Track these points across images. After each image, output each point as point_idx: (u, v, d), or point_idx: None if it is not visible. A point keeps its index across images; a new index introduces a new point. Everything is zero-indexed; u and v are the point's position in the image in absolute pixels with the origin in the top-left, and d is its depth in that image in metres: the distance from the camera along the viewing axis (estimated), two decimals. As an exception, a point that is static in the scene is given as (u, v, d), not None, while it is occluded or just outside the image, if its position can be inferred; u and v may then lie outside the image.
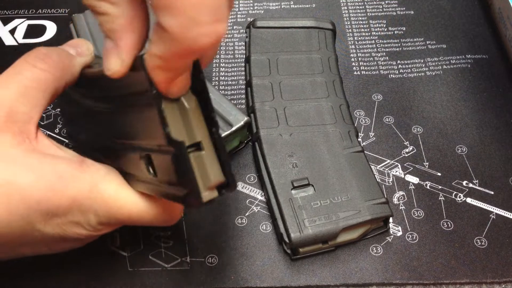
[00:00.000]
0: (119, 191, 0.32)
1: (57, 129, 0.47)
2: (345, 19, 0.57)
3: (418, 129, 0.47)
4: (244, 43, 0.52)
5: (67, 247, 0.35)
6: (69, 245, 0.34)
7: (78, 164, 0.32)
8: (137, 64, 0.28)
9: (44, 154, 0.31)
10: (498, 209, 0.42)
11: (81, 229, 0.32)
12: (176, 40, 0.25)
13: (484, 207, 0.42)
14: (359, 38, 0.55)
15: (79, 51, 0.36)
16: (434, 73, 0.51)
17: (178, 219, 0.34)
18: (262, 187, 0.42)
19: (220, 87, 0.50)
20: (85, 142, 0.38)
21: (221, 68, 0.52)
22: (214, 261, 0.39)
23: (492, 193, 0.43)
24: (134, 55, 0.29)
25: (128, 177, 0.33)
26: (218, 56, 0.53)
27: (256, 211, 0.42)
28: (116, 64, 0.29)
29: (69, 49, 0.35)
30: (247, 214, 0.42)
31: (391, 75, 0.52)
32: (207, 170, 0.28)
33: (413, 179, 0.44)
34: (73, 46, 0.36)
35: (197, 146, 0.28)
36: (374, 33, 0.56)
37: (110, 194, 0.32)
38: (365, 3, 0.59)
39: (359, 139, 0.45)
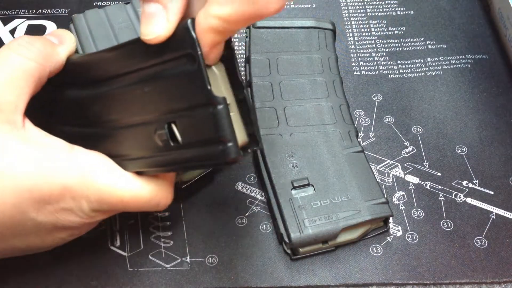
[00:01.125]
0: (110, 175, 0.32)
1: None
2: (345, 19, 0.57)
3: (418, 129, 0.47)
4: (244, 43, 0.52)
5: (60, 239, 0.35)
6: (62, 235, 0.34)
7: (68, 151, 0.32)
8: (181, 27, 0.29)
9: (33, 142, 0.31)
10: (498, 209, 0.42)
11: (74, 216, 0.32)
12: (248, 3, 0.26)
13: (484, 207, 0.42)
14: (359, 38, 0.55)
15: (61, 40, 0.36)
16: (434, 73, 0.51)
17: (170, 201, 0.34)
18: (262, 187, 0.42)
19: (220, 87, 0.50)
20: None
21: (221, 68, 0.52)
22: (214, 261, 0.39)
23: (492, 193, 0.43)
24: (180, 18, 0.29)
25: (119, 159, 0.33)
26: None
27: (256, 211, 0.42)
28: (162, 28, 0.29)
29: (51, 38, 0.35)
30: (247, 214, 0.42)
31: (391, 75, 0.52)
32: (241, 128, 0.30)
33: (413, 179, 0.44)
34: (55, 35, 0.36)
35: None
36: (374, 33, 0.56)
37: (101, 179, 0.32)
38: (365, 3, 0.59)
39: (359, 139, 0.45)
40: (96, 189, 0.32)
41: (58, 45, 0.35)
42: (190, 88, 0.29)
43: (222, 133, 0.29)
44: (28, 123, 0.32)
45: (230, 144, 0.29)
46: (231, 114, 0.29)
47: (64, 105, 0.36)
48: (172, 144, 0.31)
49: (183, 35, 0.28)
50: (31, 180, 0.30)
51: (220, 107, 0.28)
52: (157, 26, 0.29)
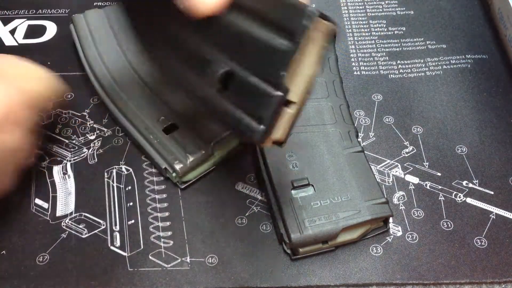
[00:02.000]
0: None
1: (57, 129, 0.47)
2: (345, 19, 0.57)
3: (418, 129, 0.47)
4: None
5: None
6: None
7: None
8: (299, 8, 0.28)
9: None
10: (498, 209, 0.42)
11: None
12: None
13: (484, 207, 0.42)
14: (359, 38, 0.55)
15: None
16: (434, 73, 0.51)
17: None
18: (262, 187, 0.42)
19: (220, 87, 0.50)
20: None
21: (221, 68, 0.52)
22: (214, 261, 0.39)
23: (492, 193, 0.43)
24: None
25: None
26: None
27: (256, 211, 0.42)
28: None
29: None
30: (247, 214, 0.42)
31: (391, 75, 0.52)
32: (281, 126, 0.30)
33: (413, 179, 0.44)
34: None
35: (289, 103, 0.30)
36: (374, 33, 0.56)
37: None
38: (365, 3, 0.59)
39: (359, 139, 0.45)
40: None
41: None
42: (270, 59, 0.29)
43: (262, 114, 0.29)
44: None
45: (261, 127, 0.29)
46: (290, 111, 0.29)
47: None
48: (218, 86, 0.31)
49: (296, 17, 0.28)
50: None
51: (278, 93, 0.28)
52: None
